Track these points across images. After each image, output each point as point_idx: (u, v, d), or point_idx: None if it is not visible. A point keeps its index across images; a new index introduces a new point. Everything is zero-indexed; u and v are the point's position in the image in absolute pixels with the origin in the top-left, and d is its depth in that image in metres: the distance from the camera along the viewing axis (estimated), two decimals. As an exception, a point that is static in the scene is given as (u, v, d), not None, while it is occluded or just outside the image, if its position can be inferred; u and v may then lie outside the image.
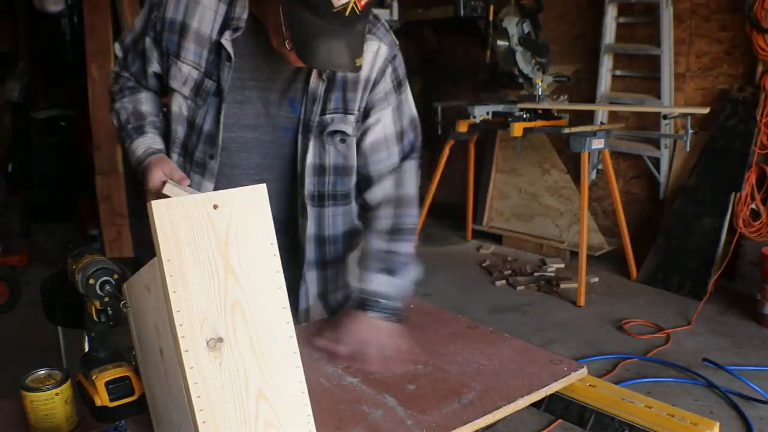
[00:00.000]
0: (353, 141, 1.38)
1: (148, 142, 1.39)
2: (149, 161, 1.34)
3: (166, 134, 1.43)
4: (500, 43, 4.43)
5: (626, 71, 4.58)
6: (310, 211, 1.37)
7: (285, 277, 1.46)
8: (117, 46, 1.44)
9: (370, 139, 1.38)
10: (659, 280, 4.02)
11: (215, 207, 0.80)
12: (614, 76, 4.63)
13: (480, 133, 4.78)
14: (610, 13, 4.50)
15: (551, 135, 4.72)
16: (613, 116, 4.55)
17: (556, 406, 1.15)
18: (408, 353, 1.22)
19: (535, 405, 1.14)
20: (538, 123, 4.08)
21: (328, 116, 1.33)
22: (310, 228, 1.38)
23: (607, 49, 4.55)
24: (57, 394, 0.97)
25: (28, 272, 4.15)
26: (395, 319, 1.29)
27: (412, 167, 1.41)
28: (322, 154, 1.34)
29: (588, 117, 4.44)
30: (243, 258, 0.81)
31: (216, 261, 0.80)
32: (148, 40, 1.35)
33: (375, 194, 1.41)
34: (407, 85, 1.41)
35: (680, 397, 2.72)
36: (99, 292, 1.01)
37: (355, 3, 1.07)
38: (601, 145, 3.87)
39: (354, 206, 1.46)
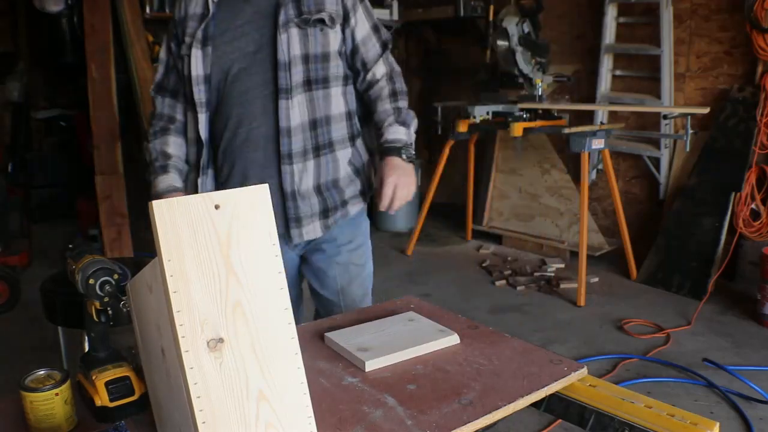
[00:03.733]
0: (329, 31, 1.65)
1: (169, 180, 1.67)
2: (166, 197, 1.48)
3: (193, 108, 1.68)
4: (500, 43, 4.43)
5: (626, 71, 4.58)
6: (300, 97, 1.62)
7: (262, 173, 1.72)
8: (153, 87, 1.76)
9: (358, 35, 1.70)
10: (659, 280, 4.02)
11: (216, 207, 0.80)
12: (614, 76, 4.63)
13: (480, 133, 4.78)
14: (610, 13, 4.51)
15: (551, 135, 4.72)
16: (613, 116, 4.56)
17: (556, 406, 1.15)
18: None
19: (535, 405, 1.14)
20: (538, 123, 4.09)
21: (306, 15, 1.61)
22: (299, 115, 1.63)
23: (607, 49, 4.55)
24: (57, 394, 0.97)
25: (28, 272, 4.15)
26: (411, 160, 1.70)
27: (389, 55, 1.79)
28: (305, 43, 1.62)
29: (588, 117, 4.44)
30: (244, 258, 0.81)
31: (217, 261, 0.80)
32: (175, 48, 1.68)
33: (374, 73, 1.74)
34: None
35: (680, 397, 2.72)
36: (99, 292, 1.01)
37: None
38: (601, 145, 3.88)
39: (338, 90, 1.70)
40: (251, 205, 0.83)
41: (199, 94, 1.63)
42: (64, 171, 5.46)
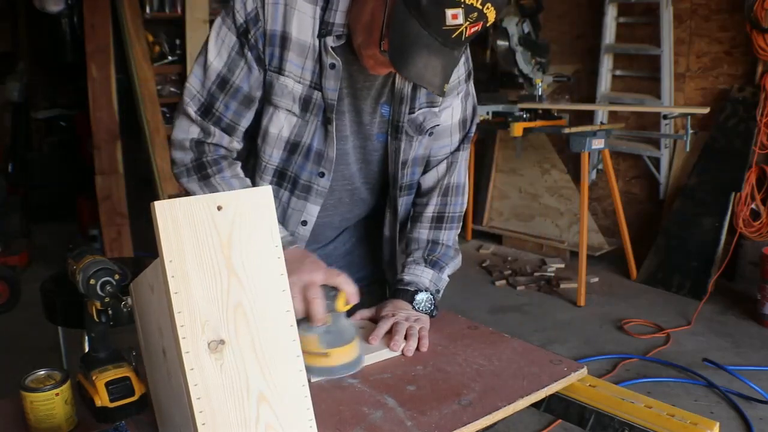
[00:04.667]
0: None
1: (280, 228, 1.20)
2: (292, 257, 1.14)
3: (252, 163, 1.32)
4: (500, 43, 4.43)
5: (626, 71, 4.58)
6: (397, 202, 1.39)
7: (366, 275, 1.50)
8: (189, 104, 1.24)
9: (440, 122, 1.38)
10: (659, 280, 4.03)
11: (219, 208, 0.80)
12: (614, 76, 4.63)
13: (480, 133, 4.78)
14: (610, 13, 4.51)
15: (551, 135, 4.72)
16: (613, 116, 4.56)
17: (556, 406, 1.15)
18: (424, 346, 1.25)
19: (535, 405, 1.14)
20: (538, 123, 4.09)
21: (418, 113, 1.31)
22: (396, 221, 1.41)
23: (607, 49, 4.55)
24: (57, 394, 0.97)
25: (28, 272, 4.15)
26: (426, 312, 1.33)
27: (464, 156, 1.44)
28: (407, 150, 1.34)
29: (588, 117, 4.45)
30: (246, 260, 0.81)
31: (219, 262, 0.79)
32: (252, 66, 1.21)
33: (427, 180, 1.43)
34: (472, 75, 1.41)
35: (680, 397, 2.72)
36: (100, 292, 1.01)
37: (465, 28, 1.02)
38: (601, 145, 3.88)
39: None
40: (254, 206, 0.83)
41: (322, 168, 1.29)
42: (64, 171, 5.46)
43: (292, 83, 1.22)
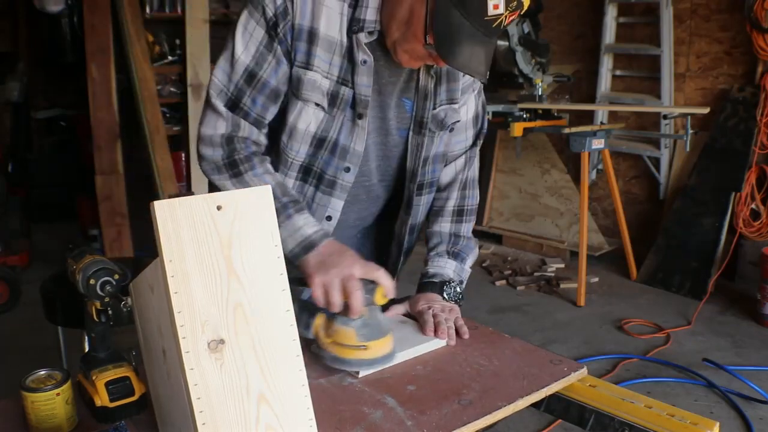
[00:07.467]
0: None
1: (312, 221, 1.23)
2: (330, 250, 1.19)
3: (274, 161, 1.32)
4: (500, 43, 4.43)
5: (626, 71, 4.58)
6: (415, 201, 1.41)
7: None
8: (216, 99, 1.25)
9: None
10: (659, 280, 4.02)
11: (219, 208, 0.80)
12: (614, 76, 4.63)
13: (480, 133, 4.77)
14: (610, 13, 4.51)
15: (551, 135, 4.72)
16: (613, 116, 4.56)
17: (556, 406, 1.15)
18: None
19: (535, 405, 1.14)
20: (538, 123, 4.09)
21: (439, 109, 1.34)
22: (408, 219, 1.43)
23: (607, 49, 4.55)
24: (58, 394, 0.97)
25: (28, 272, 4.15)
26: (455, 300, 1.39)
27: (477, 152, 1.52)
28: (429, 146, 1.37)
29: (588, 117, 4.44)
30: (246, 260, 0.81)
31: (219, 262, 0.79)
32: (281, 60, 1.23)
33: (446, 175, 1.48)
34: None
35: (680, 397, 2.72)
36: (100, 292, 1.01)
37: (505, 17, 1.08)
38: (601, 145, 3.88)
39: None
40: (254, 206, 0.83)
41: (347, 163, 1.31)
42: (64, 171, 5.45)
43: (320, 78, 1.24)
